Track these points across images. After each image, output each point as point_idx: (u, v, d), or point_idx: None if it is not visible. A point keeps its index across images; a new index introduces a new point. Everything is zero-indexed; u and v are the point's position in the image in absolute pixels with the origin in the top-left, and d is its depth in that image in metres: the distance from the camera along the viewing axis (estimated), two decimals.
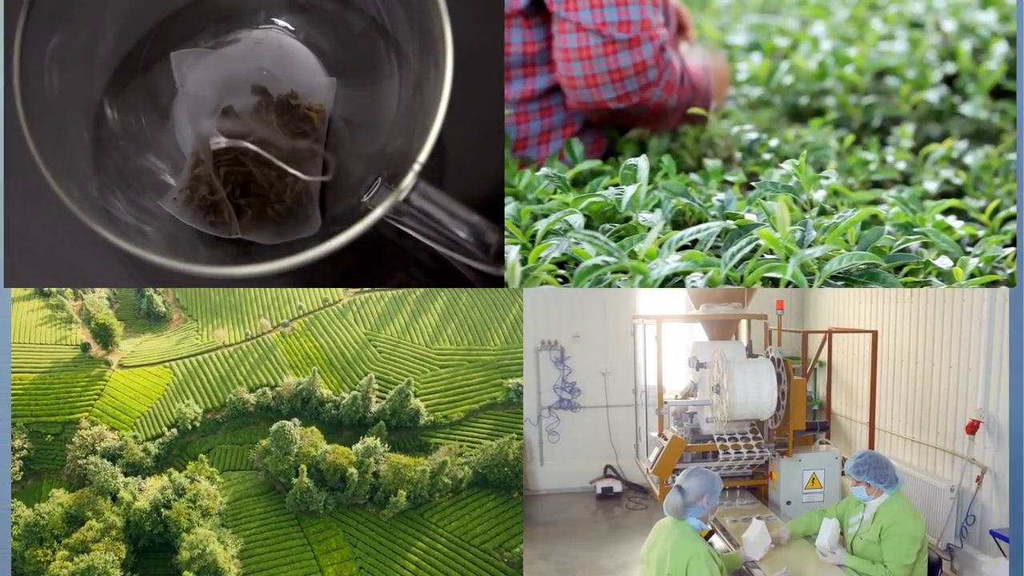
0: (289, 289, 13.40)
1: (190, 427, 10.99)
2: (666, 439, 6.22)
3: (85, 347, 11.87)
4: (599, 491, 8.51)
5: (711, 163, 4.56)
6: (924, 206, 4.10)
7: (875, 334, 6.36)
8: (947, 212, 4.21)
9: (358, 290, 13.40)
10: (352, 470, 9.70)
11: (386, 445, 10.25)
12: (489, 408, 11.19)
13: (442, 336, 12.30)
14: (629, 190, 3.90)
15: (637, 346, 7.55)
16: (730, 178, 4.47)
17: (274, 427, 10.17)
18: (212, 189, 3.66)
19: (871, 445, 6.39)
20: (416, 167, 3.27)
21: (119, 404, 11.03)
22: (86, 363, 11.65)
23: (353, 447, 10.05)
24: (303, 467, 9.74)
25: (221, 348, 12.20)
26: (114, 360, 11.80)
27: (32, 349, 11.74)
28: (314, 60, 3.93)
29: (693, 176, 4.53)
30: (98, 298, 13.10)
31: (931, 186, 4.68)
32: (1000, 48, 5.34)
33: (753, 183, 4.07)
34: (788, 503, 5.93)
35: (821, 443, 6.31)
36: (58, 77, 3.47)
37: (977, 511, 5.64)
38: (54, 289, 13.07)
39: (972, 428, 5.63)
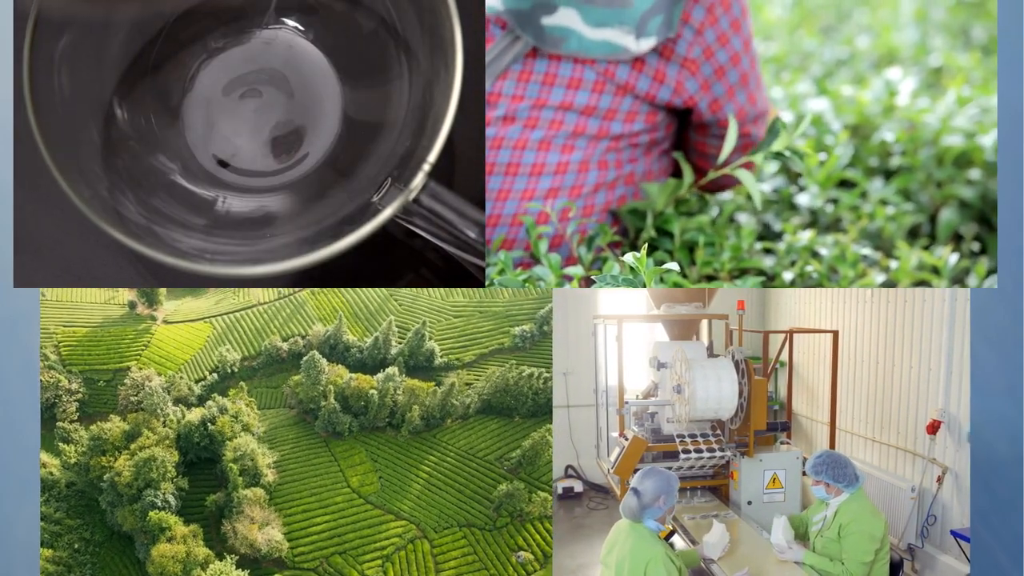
0: None
1: (229, 371, 12.32)
2: (627, 439, 6.18)
3: (132, 305, 13.23)
4: (560, 491, 8.48)
5: (552, 257, 4.24)
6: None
7: (836, 334, 6.36)
8: None
9: None
10: (373, 391, 11.20)
11: (403, 377, 11.72)
12: (497, 352, 12.74)
13: (457, 290, 13.64)
14: None
15: (598, 346, 7.49)
16: (570, 271, 4.20)
17: (305, 359, 11.61)
18: None
19: (832, 445, 6.39)
20: (426, 167, 3.30)
21: (165, 353, 12.39)
22: (133, 319, 13.13)
23: (375, 376, 11.57)
24: (331, 388, 11.26)
25: (257, 305, 13.77)
26: (159, 316, 13.29)
27: (83, 307, 13.08)
28: (325, 62, 3.94)
29: (537, 270, 4.19)
30: None
31: (788, 276, 4.45)
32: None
33: (594, 276, 3.86)
34: (749, 503, 5.92)
35: (782, 443, 6.31)
36: (68, 77, 3.49)
37: (938, 511, 5.66)
38: None
39: (933, 428, 5.64)
